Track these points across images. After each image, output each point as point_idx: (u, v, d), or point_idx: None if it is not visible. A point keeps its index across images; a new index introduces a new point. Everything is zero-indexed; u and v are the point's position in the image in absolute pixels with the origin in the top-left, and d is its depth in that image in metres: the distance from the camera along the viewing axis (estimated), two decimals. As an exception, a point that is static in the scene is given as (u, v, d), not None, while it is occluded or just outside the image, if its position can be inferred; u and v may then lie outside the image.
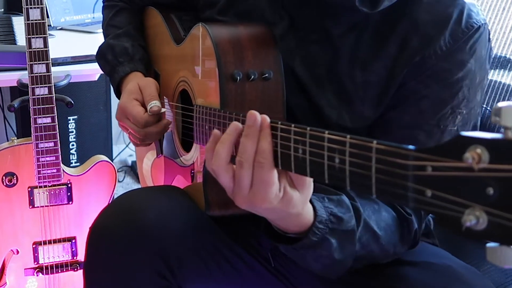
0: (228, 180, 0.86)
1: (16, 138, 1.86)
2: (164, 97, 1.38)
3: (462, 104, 1.06)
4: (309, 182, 0.86)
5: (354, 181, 0.69)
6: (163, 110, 1.25)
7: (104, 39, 1.49)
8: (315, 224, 0.92)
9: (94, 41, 2.25)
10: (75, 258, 1.89)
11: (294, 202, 0.86)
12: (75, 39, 2.38)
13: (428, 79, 1.05)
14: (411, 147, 0.62)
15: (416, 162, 0.60)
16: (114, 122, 2.53)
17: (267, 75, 1.07)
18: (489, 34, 1.08)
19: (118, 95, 1.38)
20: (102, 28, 1.53)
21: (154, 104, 1.23)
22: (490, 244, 0.55)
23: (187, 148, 1.28)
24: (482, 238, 0.54)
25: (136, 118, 1.24)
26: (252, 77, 1.06)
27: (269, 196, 0.83)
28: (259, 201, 0.84)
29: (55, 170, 1.79)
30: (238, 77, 1.06)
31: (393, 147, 0.64)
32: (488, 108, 1.52)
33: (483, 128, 1.48)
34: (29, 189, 1.81)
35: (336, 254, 0.96)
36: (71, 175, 1.84)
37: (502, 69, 1.58)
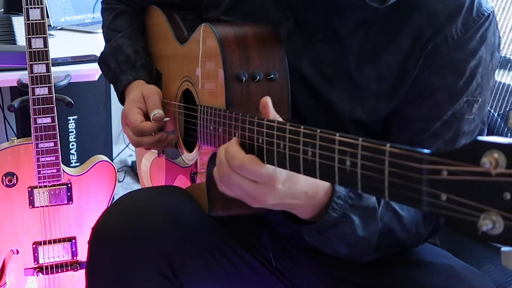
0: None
1: (16, 138, 1.86)
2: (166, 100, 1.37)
3: (476, 92, 1.06)
4: None
5: (366, 184, 0.70)
6: (166, 119, 1.26)
7: (105, 42, 1.49)
8: (333, 199, 0.93)
9: (94, 41, 2.25)
10: (75, 258, 1.88)
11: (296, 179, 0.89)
12: (75, 39, 2.39)
13: (443, 69, 1.04)
14: (425, 150, 0.62)
15: (431, 166, 0.60)
16: (114, 122, 2.53)
17: (272, 76, 1.07)
18: (496, 22, 1.09)
19: (122, 102, 1.39)
20: (103, 32, 1.53)
21: (157, 111, 1.25)
22: (506, 249, 0.55)
23: (189, 148, 1.28)
24: (498, 242, 0.54)
25: (134, 125, 1.26)
26: (258, 78, 1.06)
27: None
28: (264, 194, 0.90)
29: (55, 170, 1.79)
30: (244, 78, 1.06)
31: (407, 150, 0.64)
32: (490, 109, 1.52)
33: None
34: (29, 189, 1.81)
35: (360, 231, 0.97)
36: (71, 175, 1.84)
37: (502, 69, 1.58)
